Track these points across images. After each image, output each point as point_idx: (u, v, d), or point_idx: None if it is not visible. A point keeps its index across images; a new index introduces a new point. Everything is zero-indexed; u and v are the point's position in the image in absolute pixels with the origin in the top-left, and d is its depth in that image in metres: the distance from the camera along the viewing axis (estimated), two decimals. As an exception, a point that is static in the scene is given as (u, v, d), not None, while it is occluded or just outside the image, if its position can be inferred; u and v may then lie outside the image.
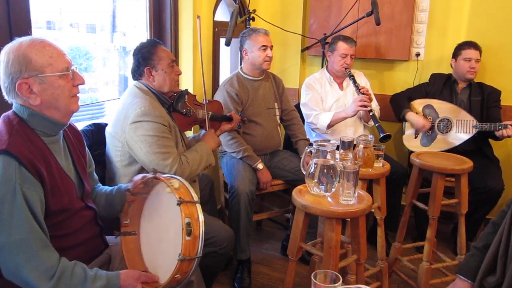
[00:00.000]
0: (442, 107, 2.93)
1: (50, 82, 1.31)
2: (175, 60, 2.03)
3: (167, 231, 1.43)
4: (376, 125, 2.57)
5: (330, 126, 2.85)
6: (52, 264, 1.25)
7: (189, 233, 1.28)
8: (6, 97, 1.34)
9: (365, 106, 2.66)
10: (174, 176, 1.44)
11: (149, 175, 1.44)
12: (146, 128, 1.82)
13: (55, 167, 1.35)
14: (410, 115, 2.95)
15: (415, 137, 3.01)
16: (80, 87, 1.42)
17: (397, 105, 3.05)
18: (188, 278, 1.36)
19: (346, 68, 2.88)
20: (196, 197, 1.37)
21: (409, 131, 3.03)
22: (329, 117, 2.83)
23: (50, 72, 1.30)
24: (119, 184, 1.71)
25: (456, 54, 2.96)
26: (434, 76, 3.10)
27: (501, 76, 3.08)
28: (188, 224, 1.29)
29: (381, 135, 2.49)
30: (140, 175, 1.55)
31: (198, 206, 1.35)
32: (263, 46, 2.60)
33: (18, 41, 1.31)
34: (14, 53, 1.27)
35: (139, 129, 1.83)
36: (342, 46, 2.87)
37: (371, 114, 2.65)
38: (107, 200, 1.64)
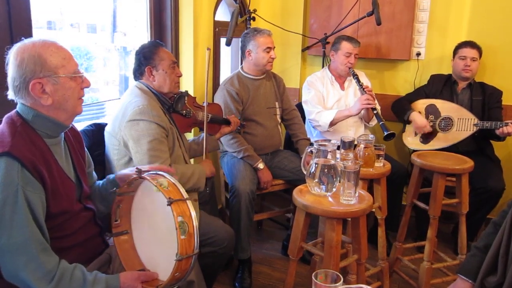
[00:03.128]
0: (445, 107, 2.93)
1: (62, 83, 1.32)
2: (176, 62, 2.03)
3: (161, 230, 1.42)
4: (380, 123, 2.57)
5: (332, 124, 2.84)
6: (52, 267, 1.25)
7: (183, 232, 1.28)
8: (13, 96, 1.33)
9: (370, 104, 2.66)
10: (159, 172, 1.43)
11: (134, 175, 1.42)
12: (142, 127, 1.82)
13: (55, 169, 1.35)
14: (414, 115, 2.95)
15: (415, 135, 3.02)
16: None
17: (400, 109, 3.06)
18: (188, 275, 1.36)
19: (349, 68, 2.88)
20: (185, 194, 1.35)
21: (409, 129, 3.04)
22: (332, 114, 2.82)
23: (63, 73, 1.31)
24: (108, 175, 1.70)
25: (454, 53, 2.98)
26: (433, 77, 3.11)
27: (501, 76, 3.08)
28: (182, 223, 1.28)
29: (385, 133, 2.49)
30: (129, 169, 1.56)
31: (189, 203, 1.34)
32: (268, 47, 2.61)
33: (29, 41, 1.31)
34: (28, 52, 1.27)
35: (134, 127, 1.82)
36: (346, 46, 2.87)
37: (375, 112, 2.65)
38: (101, 193, 1.65)
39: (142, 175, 1.38)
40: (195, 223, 1.31)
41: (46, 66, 1.28)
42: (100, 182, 1.70)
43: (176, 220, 1.27)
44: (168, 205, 1.28)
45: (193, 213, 1.32)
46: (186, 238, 1.28)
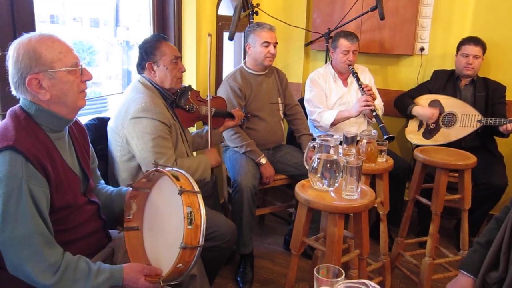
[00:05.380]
0: (449, 102, 2.91)
1: (60, 77, 1.31)
2: (179, 57, 2.00)
3: (169, 222, 1.44)
4: (380, 126, 2.54)
5: (333, 124, 2.84)
6: (56, 260, 1.26)
7: (190, 222, 1.29)
8: (14, 92, 1.33)
9: (369, 106, 2.65)
10: (175, 169, 1.45)
11: (151, 169, 1.45)
12: (145, 125, 1.82)
13: (59, 164, 1.36)
14: (417, 109, 2.94)
15: (418, 130, 3.01)
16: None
17: (402, 105, 3.04)
18: (190, 269, 1.37)
19: (349, 65, 2.86)
20: (197, 188, 1.38)
21: (412, 123, 3.03)
22: (333, 115, 2.82)
23: (59, 67, 1.31)
24: (121, 187, 1.71)
25: (457, 49, 2.95)
26: (436, 73, 3.09)
27: (505, 72, 3.06)
28: (190, 213, 1.30)
29: (385, 137, 2.46)
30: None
31: (199, 197, 1.36)
32: (266, 42, 2.58)
33: (26, 36, 1.30)
34: (23, 48, 1.27)
35: (137, 125, 1.82)
36: (343, 43, 2.84)
37: (374, 114, 2.62)
38: (106, 200, 1.65)
39: (159, 168, 1.40)
40: (204, 217, 1.33)
41: (40, 61, 1.28)
42: (110, 188, 1.69)
43: (184, 209, 1.29)
44: (179, 194, 1.30)
45: (203, 208, 1.35)
46: (193, 228, 1.30)
